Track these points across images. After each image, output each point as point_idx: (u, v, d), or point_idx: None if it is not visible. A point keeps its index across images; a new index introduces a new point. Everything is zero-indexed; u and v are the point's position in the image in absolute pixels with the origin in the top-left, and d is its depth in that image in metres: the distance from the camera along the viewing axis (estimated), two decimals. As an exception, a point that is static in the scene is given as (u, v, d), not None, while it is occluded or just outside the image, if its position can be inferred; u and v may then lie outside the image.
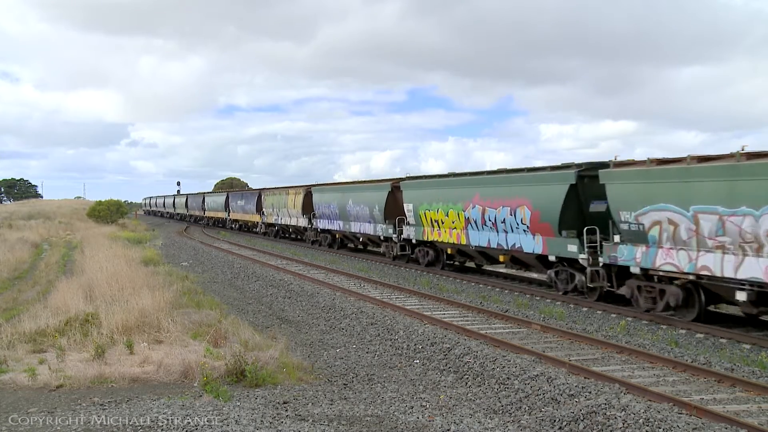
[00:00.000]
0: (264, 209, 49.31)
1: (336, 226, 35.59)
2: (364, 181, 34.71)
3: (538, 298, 19.34)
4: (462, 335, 13.83)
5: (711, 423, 8.25)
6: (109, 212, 65.04)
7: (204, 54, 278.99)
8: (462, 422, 9.09)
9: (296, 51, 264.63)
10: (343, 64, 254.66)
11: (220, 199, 63.31)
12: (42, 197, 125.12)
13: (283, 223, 45.07)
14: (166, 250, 37.59)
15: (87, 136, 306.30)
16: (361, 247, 35.83)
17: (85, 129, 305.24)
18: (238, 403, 9.50)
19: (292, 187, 44.44)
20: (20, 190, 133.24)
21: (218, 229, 61.37)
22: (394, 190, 29.05)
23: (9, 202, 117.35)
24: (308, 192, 39.73)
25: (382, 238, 30.13)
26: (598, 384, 9.97)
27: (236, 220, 58.96)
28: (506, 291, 20.85)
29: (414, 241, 27.23)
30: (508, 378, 10.81)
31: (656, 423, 8.19)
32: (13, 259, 32.57)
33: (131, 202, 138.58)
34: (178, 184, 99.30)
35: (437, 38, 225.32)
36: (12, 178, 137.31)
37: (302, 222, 40.69)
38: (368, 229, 31.19)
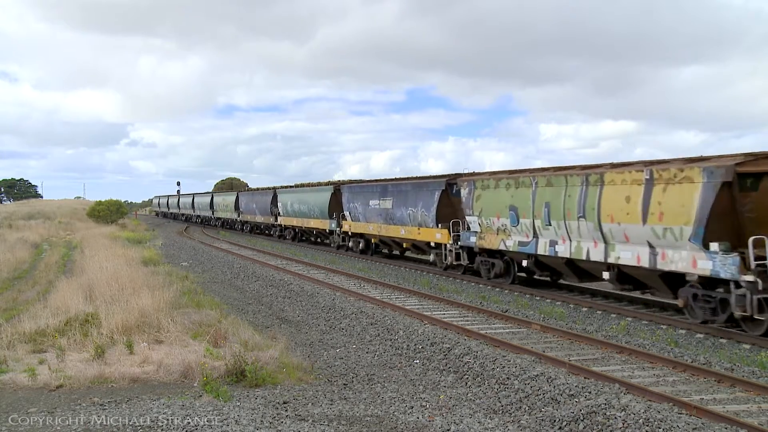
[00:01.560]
0: (476, 216, 21.94)
1: None
2: None
3: (538, 298, 19.36)
4: (462, 335, 13.83)
5: (711, 423, 8.25)
6: (108, 212, 65.11)
7: (203, 54, 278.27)
8: (462, 422, 9.10)
9: (295, 51, 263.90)
10: (342, 64, 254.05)
11: (318, 198, 37.46)
12: (42, 197, 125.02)
13: (576, 254, 17.54)
14: (166, 250, 37.58)
15: (86, 136, 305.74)
16: None
17: (85, 129, 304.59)
18: (238, 403, 9.51)
19: (626, 164, 16.34)
20: (20, 190, 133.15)
21: (218, 229, 60.32)
22: None
23: (9, 202, 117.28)
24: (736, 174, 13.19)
25: None
26: (598, 384, 9.97)
27: (359, 235, 32.99)
28: (506, 291, 20.90)
29: None
30: (508, 378, 10.81)
31: (656, 423, 8.19)
32: (13, 259, 32.57)
33: (131, 202, 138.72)
34: (178, 184, 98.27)
35: (436, 38, 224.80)
36: (12, 178, 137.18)
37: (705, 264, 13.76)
38: None
